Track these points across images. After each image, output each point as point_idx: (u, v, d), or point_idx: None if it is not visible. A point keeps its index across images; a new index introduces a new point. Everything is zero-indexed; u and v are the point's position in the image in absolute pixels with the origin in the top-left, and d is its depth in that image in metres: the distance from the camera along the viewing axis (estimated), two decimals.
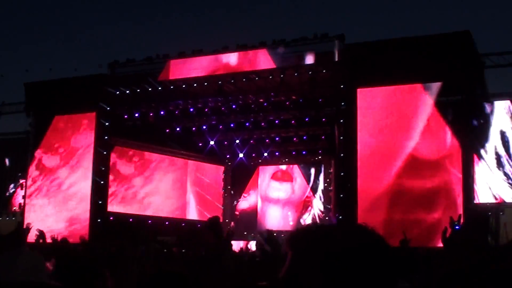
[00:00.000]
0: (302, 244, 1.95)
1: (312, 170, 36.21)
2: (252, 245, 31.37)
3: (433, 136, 23.93)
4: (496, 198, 28.91)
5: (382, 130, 24.59)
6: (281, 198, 36.90)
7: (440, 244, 16.39)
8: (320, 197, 35.68)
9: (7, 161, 39.05)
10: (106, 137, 29.62)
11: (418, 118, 24.22)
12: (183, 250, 24.66)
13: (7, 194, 37.86)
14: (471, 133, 24.67)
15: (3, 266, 3.93)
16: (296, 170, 36.79)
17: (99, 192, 29.37)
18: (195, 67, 27.79)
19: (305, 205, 36.48)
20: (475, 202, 25.41)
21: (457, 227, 18.16)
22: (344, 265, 1.85)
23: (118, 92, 29.44)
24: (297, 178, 36.82)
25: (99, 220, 28.96)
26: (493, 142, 29.58)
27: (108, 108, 29.48)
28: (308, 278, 1.87)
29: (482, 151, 28.52)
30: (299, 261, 1.92)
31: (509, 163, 29.81)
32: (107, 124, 29.48)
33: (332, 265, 1.85)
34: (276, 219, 36.45)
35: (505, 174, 29.51)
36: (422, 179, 23.78)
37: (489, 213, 29.43)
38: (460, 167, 23.58)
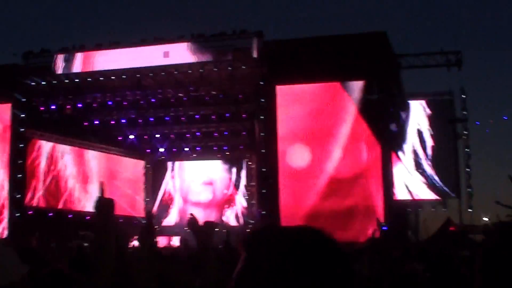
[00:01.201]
0: (257, 245, 1.89)
1: (234, 166, 36.00)
2: (175, 241, 31.07)
3: (354, 137, 24.10)
4: (412, 196, 29.37)
5: (303, 127, 24.68)
6: (202, 201, 36.65)
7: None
8: (242, 193, 35.54)
9: None
10: (22, 129, 28.80)
11: (338, 117, 24.40)
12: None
13: None
14: (389, 133, 24.93)
15: None
16: (218, 165, 36.53)
17: (17, 186, 28.64)
18: (113, 59, 27.29)
19: (228, 201, 36.31)
20: (394, 199, 25.75)
21: (384, 227, 18.41)
22: (300, 267, 1.80)
23: (33, 83, 28.70)
24: (218, 174, 36.57)
25: (17, 215, 28.26)
26: (411, 142, 30.06)
27: (24, 100, 28.67)
28: (263, 280, 1.82)
29: (399, 152, 28.93)
30: (254, 262, 1.86)
31: (426, 162, 30.31)
32: (22, 115, 28.68)
33: (289, 267, 1.80)
34: (198, 217, 36.16)
35: (422, 174, 30.03)
36: (346, 175, 24.00)
37: (408, 209, 29.96)
38: (380, 168, 23.83)
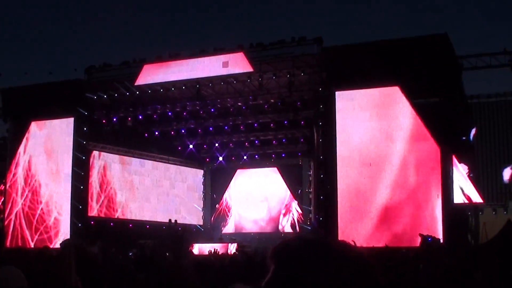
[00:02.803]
0: (284, 257, 1.95)
1: (291, 173, 35.94)
2: (233, 248, 31.30)
3: (414, 141, 23.76)
4: (468, 199, 28.90)
5: (362, 132, 24.44)
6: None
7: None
8: (299, 199, 35.47)
9: None
10: (84, 142, 29.34)
11: (398, 121, 24.09)
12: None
13: None
14: (450, 135, 24.54)
15: None
16: (275, 174, 36.59)
17: (78, 197, 29.04)
18: (172, 71, 27.57)
19: (285, 208, 36.30)
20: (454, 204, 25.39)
21: (429, 239, 18.53)
22: (326, 280, 1.85)
23: (95, 97, 29.23)
24: (275, 185, 36.65)
25: (79, 225, 28.67)
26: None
27: (86, 113, 29.20)
28: None
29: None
30: (281, 273, 1.92)
31: None
32: (85, 129, 29.23)
33: (313, 279, 1.85)
34: (254, 224, 36.44)
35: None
36: (403, 185, 23.70)
37: (469, 213, 29.53)
38: (440, 173, 23.46)
